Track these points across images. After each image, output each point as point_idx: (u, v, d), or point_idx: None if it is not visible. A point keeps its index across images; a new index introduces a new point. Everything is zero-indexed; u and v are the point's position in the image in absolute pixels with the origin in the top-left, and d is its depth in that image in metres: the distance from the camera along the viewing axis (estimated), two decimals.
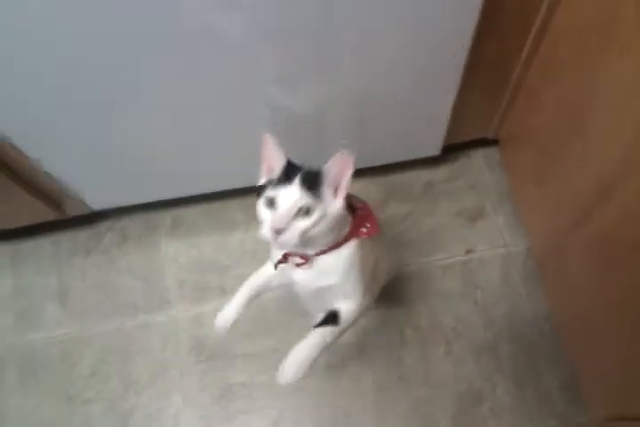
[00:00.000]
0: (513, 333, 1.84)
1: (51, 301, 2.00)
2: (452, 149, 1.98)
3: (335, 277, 1.26)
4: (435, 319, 1.87)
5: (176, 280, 1.91)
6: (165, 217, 2.09)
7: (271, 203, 1.13)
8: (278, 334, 1.83)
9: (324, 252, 1.20)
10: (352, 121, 1.63)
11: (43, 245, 2.10)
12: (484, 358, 1.82)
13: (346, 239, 1.21)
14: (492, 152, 2.11)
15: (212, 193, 1.91)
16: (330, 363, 1.82)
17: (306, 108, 1.54)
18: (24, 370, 1.92)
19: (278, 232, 1.11)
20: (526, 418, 1.75)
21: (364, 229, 1.25)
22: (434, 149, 1.88)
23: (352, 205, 1.22)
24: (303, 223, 1.12)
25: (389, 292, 1.76)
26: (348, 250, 1.24)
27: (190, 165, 1.72)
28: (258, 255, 1.82)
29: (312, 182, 1.13)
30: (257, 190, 1.16)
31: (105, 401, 1.82)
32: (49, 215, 1.86)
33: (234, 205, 2.04)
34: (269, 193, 1.13)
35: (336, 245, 1.20)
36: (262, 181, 1.17)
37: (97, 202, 1.86)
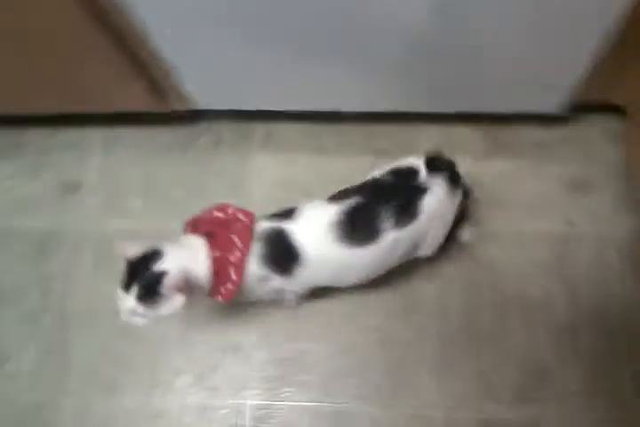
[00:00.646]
0: (597, 317, 1.68)
1: (136, 191, 1.91)
2: (573, 110, 1.73)
3: None
4: (520, 288, 1.72)
5: (262, 192, 1.81)
6: (260, 129, 1.95)
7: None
8: None
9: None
10: (471, 56, 1.45)
11: (137, 136, 1.99)
12: (561, 337, 1.66)
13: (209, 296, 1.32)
14: (616, 122, 1.84)
15: (311, 113, 1.78)
16: (403, 309, 1.74)
17: (431, 37, 1.37)
18: (99, 256, 1.85)
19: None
20: (590, 407, 1.60)
21: (223, 290, 1.36)
22: (556, 107, 1.64)
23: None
24: (152, 311, 1.26)
25: (476, 252, 1.71)
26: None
27: (301, 80, 1.60)
28: (345, 182, 1.61)
29: (150, 290, 1.25)
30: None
31: None
32: (151, 106, 1.72)
33: (329, 130, 1.92)
34: (117, 291, 1.26)
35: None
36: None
37: (202, 101, 1.73)
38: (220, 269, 1.27)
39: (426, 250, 1.41)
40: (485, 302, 1.70)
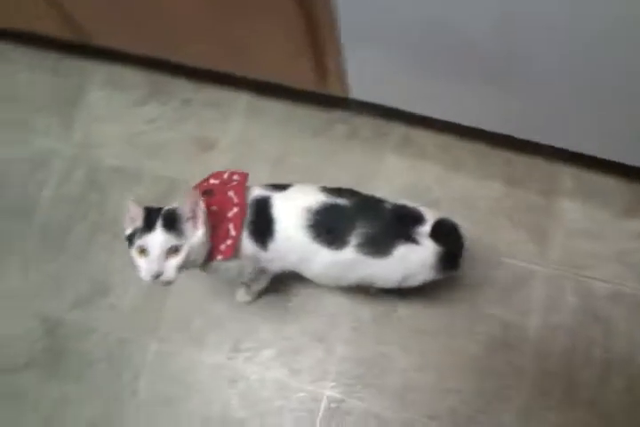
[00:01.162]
0: None
1: (264, 163, 1.90)
2: None
3: None
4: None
5: (382, 194, 1.60)
6: (398, 131, 1.88)
7: (142, 250, 1.19)
8: None
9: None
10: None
11: (278, 109, 1.97)
12: None
13: (208, 260, 1.28)
14: None
15: (451, 126, 1.69)
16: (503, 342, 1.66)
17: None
18: None
19: (156, 275, 1.19)
20: None
21: (223, 247, 1.30)
22: None
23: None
24: (175, 261, 1.20)
25: (598, 308, 1.65)
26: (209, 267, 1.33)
27: (455, 92, 1.52)
28: (469, 203, 1.69)
29: (172, 222, 1.20)
30: (127, 239, 1.22)
31: None
32: (310, 84, 1.70)
33: (466, 148, 1.83)
34: (139, 242, 1.19)
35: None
36: (128, 231, 1.23)
37: (356, 90, 1.67)
38: (218, 224, 1.26)
39: (376, 286, 1.39)
40: (591, 358, 1.62)
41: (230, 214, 1.29)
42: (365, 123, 1.87)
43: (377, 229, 1.27)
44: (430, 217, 1.29)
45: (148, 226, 1.19)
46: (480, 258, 1.64)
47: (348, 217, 1.28)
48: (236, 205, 1.31)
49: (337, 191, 1.32)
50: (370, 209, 1.30)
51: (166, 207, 1.21)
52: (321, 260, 1.31)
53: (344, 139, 1.86)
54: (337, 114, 1.89)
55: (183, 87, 2.00)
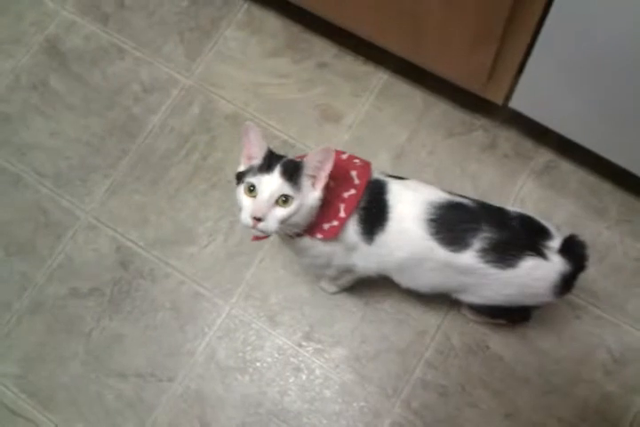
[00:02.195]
0: None
1: (385, 151, 1.65)
2: None
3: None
4: None
5: None
6: (543, 156, 1.63)
7: (251, 190, 1.02)
8: None
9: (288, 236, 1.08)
10: None
11: (416, 98, 1.73)
12: None
13: (305, 232, 1.09)
14: None
15: (617, 168, 1.42)
16: None
17: None
18: None
19: (258, 219, 1.00)
20: None
21: (327, 226, 1.10)
22: None
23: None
24: (281, 212, 1.02)
25: None
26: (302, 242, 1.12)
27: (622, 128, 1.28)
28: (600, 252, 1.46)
29: (292, 172, 1.02)
30: (237, 177, 1.05)
31: None
32: (468, 80, 1.46)
33: (614, 194, 1.57)
34: (250, 179, 1.02)
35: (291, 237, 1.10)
36: (241, 168, 1.07)
37: (516, 100, 1.42)
38: (330, 202, 1.08)
39: (471, 298, 1.21)
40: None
41: (346, 195, 1.12)
42: (509, 138, 1.63)
43: (504, 236, 1.09)
44: (557, 233, 1.12)
45: (267, 167, 1.03)
46: None
47: (473, 218, 1.11)
48: (355, 186, 1.12)
49: (458, 195, 1.16)
50: (496, 214, 1.14)
51: (289, 157, 1.04)
52: (435, 260, 1.13)
53: (480, 148, 1.63)
54: (480, 120, 1.65)
55: (323, 50, 1.77)
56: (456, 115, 1.66)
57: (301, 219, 1.05)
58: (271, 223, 1.01)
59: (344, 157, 1.18)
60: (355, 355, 1.48)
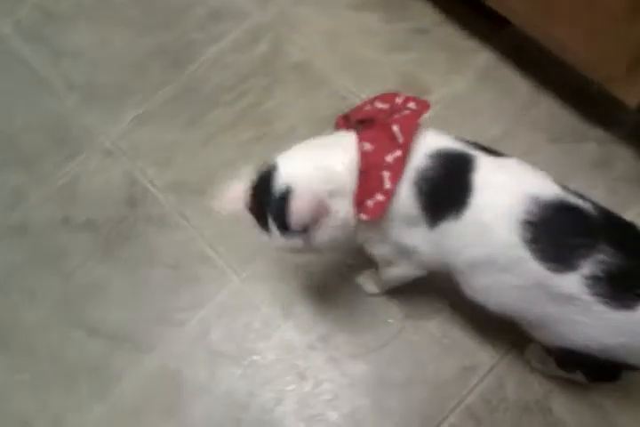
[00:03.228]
0: None
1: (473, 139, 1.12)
2: None
3: None
4: None
5: None
6: None
7: None
8: None
9: None
10: None
11: (521, 86, 1.31)
12: None
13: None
14: None
15: None
16: None
17: None
18: None
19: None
20: None
21: (370, 203, 0.79)
22: None
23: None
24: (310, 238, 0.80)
25: None
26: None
27: None
28: None
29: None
30: None
31: None
32: (600, 70, 1.05)
33: None
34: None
35: None
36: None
37: None
38: (369, 171, 0.77)
39: (551, 338, 0.83)
40: None
41: (390, 158, 0.77)
42: (627, 158, 1.23)
43: (628, 264, 0.73)
44: None
45: (262, 221, 0.80)
46: None
47: (589, 230, 0.75)
48: (400, 146, 0.77)
49: (578, 194, 0.80)
50: (622, 231, 0.78)
51: (276, 194, 0.77)
52: (521, 275, 0.77)
53: (589, 163, 1.23)
54: (595, 130, 1.25)
55: (425, 13, 1.40)
56: (565, 118, 1.28)
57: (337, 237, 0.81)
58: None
59: (398, 100, 0.83)
60: (378, 377, 1.11)
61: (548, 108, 1.29)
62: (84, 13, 1.50)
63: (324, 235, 0.81)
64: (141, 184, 1.31)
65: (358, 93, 1.33)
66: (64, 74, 1.44)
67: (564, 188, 0.81)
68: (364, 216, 0.81)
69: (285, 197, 0.78)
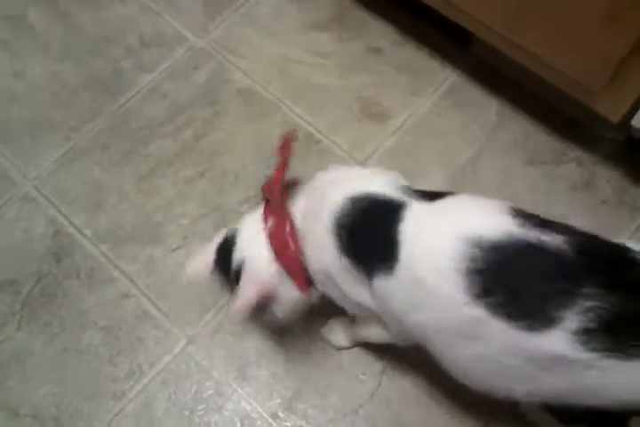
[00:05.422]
0: None
1: (442, 167, 1.13)
2: None
3: None
4: None
5: None
6: None
7: None
8: None
9: None
10: None
11: (489, 106, 1.23)
12: None
13: None
14: None
15: None
16: None
17: None
18: None
19: None
20: None
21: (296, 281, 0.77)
22: None
23: None
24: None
25: None
26: None
27: None
28: None
29: None
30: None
31: None
32: (575, 80, 0.94)
33: None
34: None
35: None
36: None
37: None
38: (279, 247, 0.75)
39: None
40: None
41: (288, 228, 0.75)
42: (612, 179, 1.14)
43: (630, 303, 0.58)
44: None
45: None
46: None
47: (564, 272, 0.60)
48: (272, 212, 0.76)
49: (539, 221, 0.65)
50: (607, 263, 0.62)
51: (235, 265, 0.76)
52: (487, 341, 0.61)
53: (569, 186, 1.15)
54: (575, 151, 1.16)
55: (379, 32, 1.31)
56: (541, 138, 1.19)
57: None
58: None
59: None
60: None
61: (521, 128, 1.20)
62: None
63: (279, 311, 0.80)
64: (68, 234, 1.14)
65: (314, 123, 1.21)
66: None
67: (529, 218, 0.67)
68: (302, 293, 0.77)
69: (240, 271, 0.77)
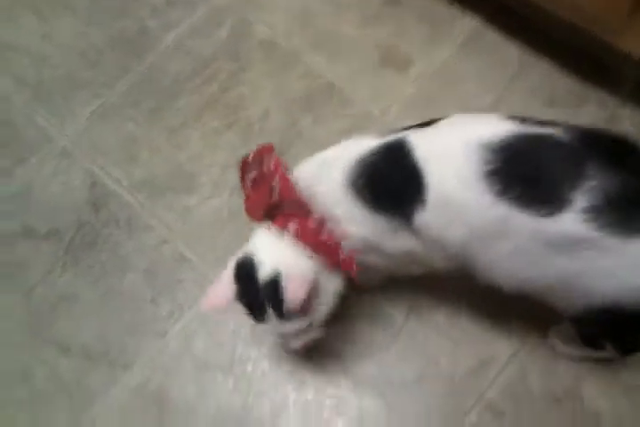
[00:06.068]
0: None
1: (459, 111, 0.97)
2: None
3: None
4: None
5: None
6: None
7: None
8: None
9: None
10: None
11: (510, 51, 1.24)
12: None
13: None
14: None
15: None
16: None
17: None
18: None
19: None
20: None
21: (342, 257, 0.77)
22: None
23: None
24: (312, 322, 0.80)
25: None
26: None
27: None
28: None
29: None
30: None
31: None
32: (595, 16, 0.94)
33: None
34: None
35: None
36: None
37: None
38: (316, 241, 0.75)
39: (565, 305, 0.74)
40: None
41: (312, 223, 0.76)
42: (633, 118, 1.15)
43: (627, 185, 0.63)
44: None
45: (257, 313, 0.78)
46: None
47: (568, 157, 0.66)
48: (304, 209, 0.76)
49: (537, 121, 0.70)
50: (613, 147, 0.68)
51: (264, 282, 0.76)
52: (514, 236, 0.67)
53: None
54: (597, 92, 1.17)
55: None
56: (562, 81, 1.20)
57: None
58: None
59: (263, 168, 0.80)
60: (387, 377, 1.01)
61: (541, 72, 1.22)
62: (26, 5, 1.38)
63: (322, 310, 0.81)
64: (104, 185, 1.20)
65: (334, 71, 1.24)
66: (9, 70, 1.32)
67: (524, 120, 0.72)
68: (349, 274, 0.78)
69: (276, 283, 0.76)
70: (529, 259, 0.71)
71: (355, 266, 0.78)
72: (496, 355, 0.99)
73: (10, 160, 1.23)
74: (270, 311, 0.78)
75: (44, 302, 1.11)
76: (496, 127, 0.70)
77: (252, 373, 1.03)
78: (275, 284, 0.76)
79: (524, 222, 0.67)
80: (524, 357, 0.99)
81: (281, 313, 0.78)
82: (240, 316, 0.82)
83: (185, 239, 1.13)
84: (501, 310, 0.98)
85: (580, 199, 0.65)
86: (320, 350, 1.02)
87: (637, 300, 0.69)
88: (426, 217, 0.72)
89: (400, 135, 0.75)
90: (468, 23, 1.28)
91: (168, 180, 1.19)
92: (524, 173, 0.68)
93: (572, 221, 0.65)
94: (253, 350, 1.04)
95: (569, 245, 0.67)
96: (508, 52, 1.23)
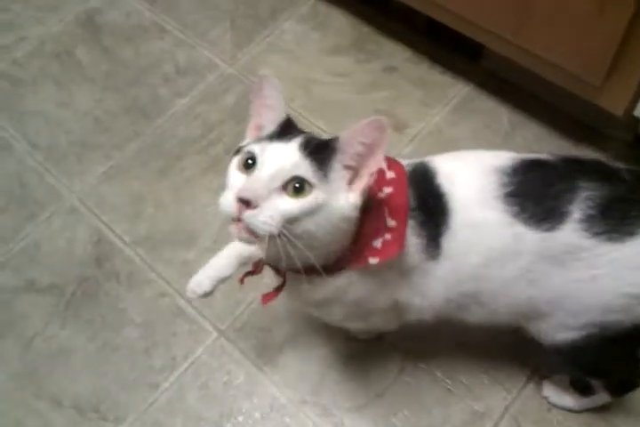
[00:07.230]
0: None
1: None
2: None
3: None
4: None
5: None
6: None
7: (250, 164, 0.63)
8: None
9: (298, 272, 0.66)
10: None
11: (500, 116, 1.31)
12: None
13: (340, 262, 0.70)
14: None
15: None
16: None
17: None
18: None
19: (247, 205, 0.59)
20: None
21: (378, 244, 0.69)
22: None
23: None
24: (288, 204, 0.61)
25: None
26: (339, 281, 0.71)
27: None
28: None
29: (319, 151, 0.64)
30: (235, 151, 0.67)
31: None
32: (576, 76, 1.02)
33: None
34: (251, 147, 0.64)
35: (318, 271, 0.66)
36: (245, 142, 0.69)
37: None
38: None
39: (568, 322, 0.74)
40: None
41: (383, 194, 0.69)
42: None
43: (614, 193, 0.69)
44: None
45: (280, 135, 0.65)
46: None
47: (563, 175, 0.71)
48: (392, 182, 0.69)
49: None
50: (594, 166, 0.74)
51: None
52: (522, 254, 0.70)
53: None
54: (585, 152, 1.21)
55: (394, 53, 1.42)
56: (554, 143, 1.25)
57: (321, 231, 0.63)
58: (263, 217, 0.59)
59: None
60: None
61: (531, 132, 1.26)
62: (48, 77, 1.47)
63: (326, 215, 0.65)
64: (109, 241, 1.23)
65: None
66: (25, 134, 1.38)
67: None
68: (374, 259, 0.69)
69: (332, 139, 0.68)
70: (531, 277, 0.73)
71: (389, 250, 0.71)
72: (490, 407, 0.98)
73: (20, 217, 1.27)
74: (299, 141, 0.66)
75: (40, 354, 1.12)
76: (502, 155, 0.76)
77: (243, 424, 1.01)
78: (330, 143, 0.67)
79: (532, 239, 0.70)
80: (518, 408, 0.98)
81: (314, 152, 0.66)
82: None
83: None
84: (496, 364, 0.97)
85: (577, 210, 0.69)
86: (314, 399, 1.01)
87: (626, 314, 0.71)
88: (452, 244, 0.73)
89: (425, 159, 0.78)
90: (460, 89, 1.35)
91: (171, 234, 1.22)
92: (532, 192, 0.72)
93: (570, 231, 0.69)
94: (245, 401, 1.03)
95: (566, 255, 0.70)
96: (500, 116, 1.29)
